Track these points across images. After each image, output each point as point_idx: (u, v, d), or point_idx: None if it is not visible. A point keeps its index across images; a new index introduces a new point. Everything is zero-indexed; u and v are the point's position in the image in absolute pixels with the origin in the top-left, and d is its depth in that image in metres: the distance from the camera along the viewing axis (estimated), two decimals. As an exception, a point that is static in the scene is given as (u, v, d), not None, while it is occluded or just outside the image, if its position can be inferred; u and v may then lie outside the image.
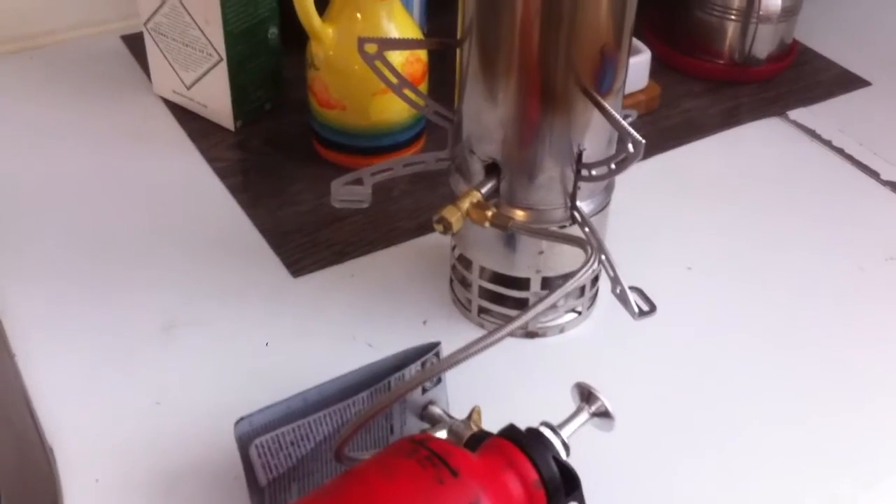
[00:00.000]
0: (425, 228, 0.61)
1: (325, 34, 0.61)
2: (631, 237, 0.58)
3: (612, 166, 0.48)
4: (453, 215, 0.49)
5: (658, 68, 0.74)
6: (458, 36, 0.51)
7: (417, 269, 0.59)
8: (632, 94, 0.70)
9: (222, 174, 0.64)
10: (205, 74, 0.66)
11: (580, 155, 0.49)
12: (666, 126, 0.70)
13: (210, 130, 0.68)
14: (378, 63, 0.52)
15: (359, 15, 0.60)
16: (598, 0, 0.46)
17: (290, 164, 0.66)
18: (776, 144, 0.70)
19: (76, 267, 0.57)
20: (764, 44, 0.70)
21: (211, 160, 0.66)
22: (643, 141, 0.45)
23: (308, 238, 0.60)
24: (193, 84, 0.67)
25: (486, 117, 0.50)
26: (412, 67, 0.63)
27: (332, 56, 0.61)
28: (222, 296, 0.56)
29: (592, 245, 0.46)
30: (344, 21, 0.61)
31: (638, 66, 0.69)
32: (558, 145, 0.49)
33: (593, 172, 0.50)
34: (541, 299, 0.42)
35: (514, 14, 0.46)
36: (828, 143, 0.69)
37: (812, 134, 0.70)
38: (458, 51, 0.51)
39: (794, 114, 0.72)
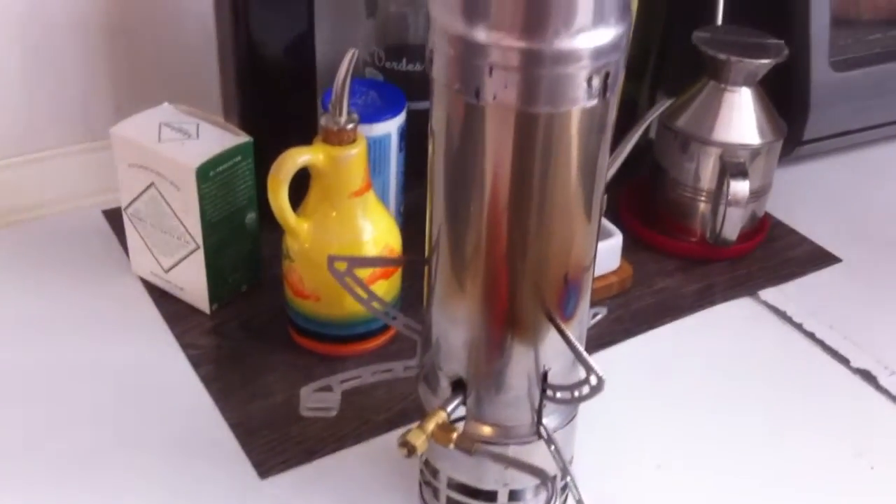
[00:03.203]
0: (396, 422, 0.61)
1: (300, 229, 0.62)
2: (600, 436, 0.58)
3: (576, 394, 0.49)
4: (418, 439, 0.49)
5: (631, 245, 0.75)
6: (426, 253, 0.52)
7: (387, 469, 0.58)
8: (604, 276, 0.71)
9: (196, 362, 0.65)
10: (182, 260, 0.67)
11: (545, 374, 0.50)
12: (638, 308, 0.71)
13: (186, 313, 0.69)
14: (348, 279, 0.53)
15: (334, 213, 0.62)
16: (566, 233, 0.47)
17: (265, 351, 0.66)
18: (748, 327, 0.71)
19: (28, 478, 0.57)
20: (734, 226, 0.71)
21: (185, 346, 0.66)
22: (604, 378, 0.46)
23: (278, 434, 0.60)
24: (171, 268, 0.68)
25: (451, 336, 0.50)
26: (386, 259, 0.64)
27: (307, 249, 0.62)
28: (188, 499, 0.56)
29: (552, 478, 0.47)
30: (319, 216, 0.62)
31: (609, 250, 0.71)
32: (524, 365, 0.50)
33: (558, 395, 0.50)
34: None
35: (480, 237, 0.47)
36: (799, 327, 0.70)
37: (783, 316, 0.71)
38: (426, 268, 0.52)
39: (766, 294, 0.73)
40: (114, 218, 0.76)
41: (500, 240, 0.47)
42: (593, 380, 0.47)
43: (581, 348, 0.48)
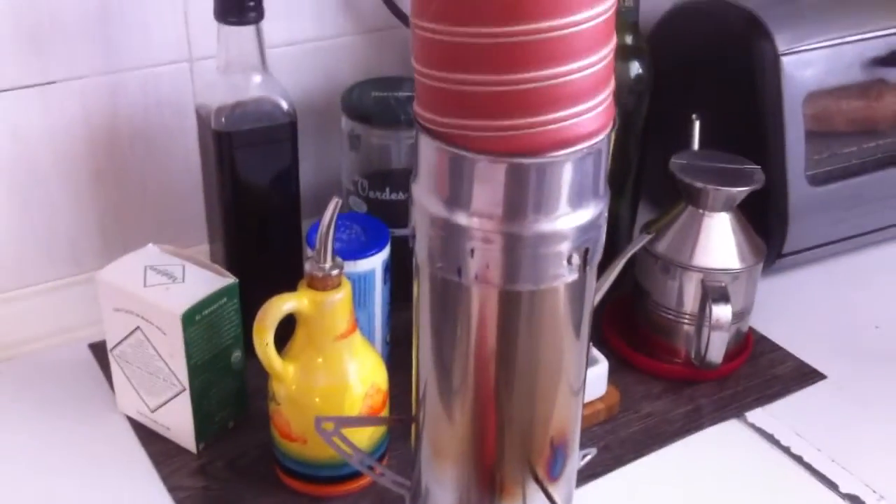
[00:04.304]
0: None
1: (286, 373, 0.62)
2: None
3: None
4: None
5: (617, 365, 0.75)
6: (413, 410, 0.52)
7: None
8: (591, 403, 0.71)
9: (182, 507, 0.64)
10: (168, 401, 0.67)
11: (534, 536, 0.50)
12: (626, 435, 0.71)
13: (173, 452, 0.68)
14: (336, 439, 0.53)
15: (320, 360, 0.62)
16: (552, 400, 0.48)
17: (253, 492, 0.65)
18: (736, 452, 0.71)
19: None
20: (718, 350, 0.72)
21: (172, 489, 0.65)
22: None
23: (266, 586, 0.59)
24: (157, 408, 0.68)
25: (439, 495, 0.51)
26: (372, 399, 0.64)
27: (293, 391, 0.62)
28: None
29: None
30: (304, 360, 0.62)
31: (596, 377, 0.71)
32: (511, 528, 0.50)
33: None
34: None
35: (465, 402, 0.48)
36: (787, 451, 0.70)
37: (770, 439, 0.71)
38: (412, 425, 0.53)
39: (752, 415, 0.73)
40: (100, 351, 0.75)
41: (486, 406, 0.48)
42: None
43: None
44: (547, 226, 0.42)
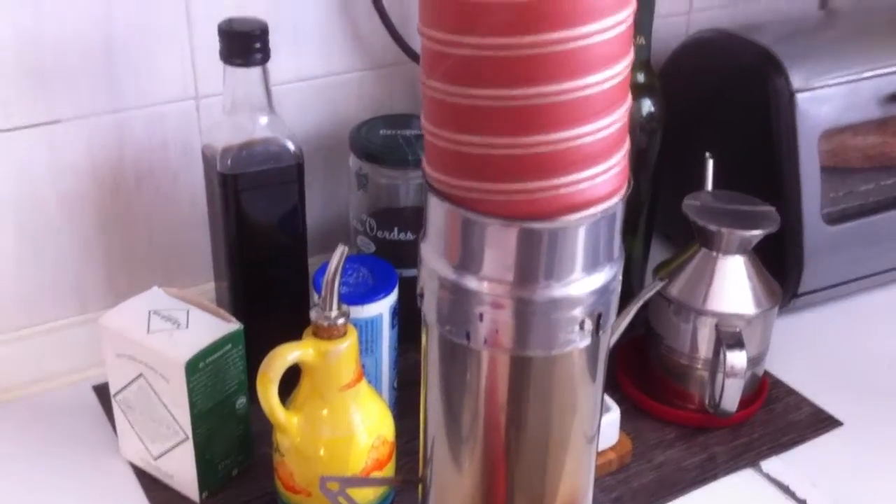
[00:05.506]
0: None
1: (290, 424, 0.61)
2: None
3: None
4: None
5: (630, 410, 0.74)
6: (419, 471, 0.51)
7: None
8: (602, 453, 0.69)
9: (184, 560, 0.63)
10: (171, 449, 0.65)
11: None
12: (639, 485, 0.69)
13: (176, 501, 0.67)
14: (341, 499, 0.52)
15: (325, 411, 0.60)
16: (564, 465, 0.46)
17: (256, 544, 0.65)
18: (751, 503, 0.69)
19: None
20: (733, 398, 0.70)
21: (174, 539, 0.64)
22: None
23: None
24: (160, 456, 0.66)
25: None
26: (378, 452, 0.62)
27: (297, 443, 0.61)
28: None
29: None
30: (309, 410, 0.61)
31: (608, 425, 0.69)
32: None
33: None
34: None
35: (474, 468, 0.46)
36: (802, 503, 0.69)
37: (786, 490, 0.70)
38: (419, 486, 0.51)
39: (767, 465, 0.72)
40: (104, 394, 0.74)
41: (495, 469, 0.46)
42: None
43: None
44: (559, 291, 0.41)
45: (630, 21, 0.40)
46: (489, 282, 0.41)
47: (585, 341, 0.43)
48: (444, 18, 0.39)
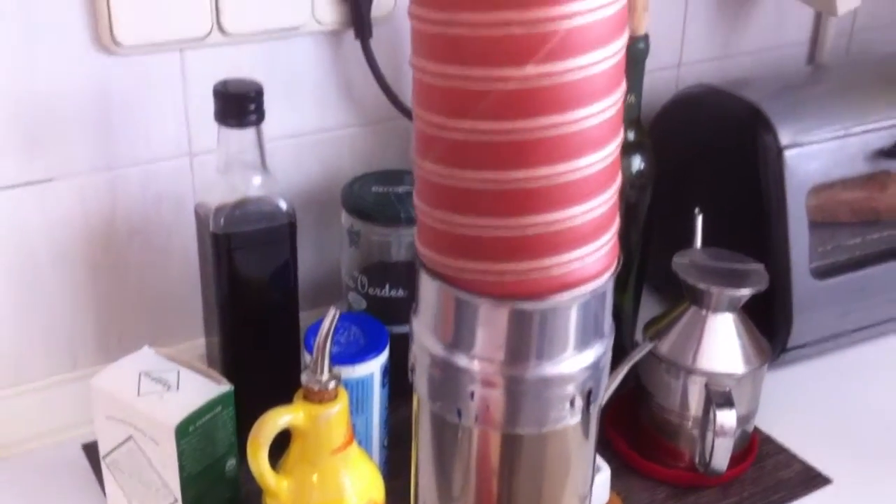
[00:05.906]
0: None
1: (280, 489, 0.60)
2: None
3: None
4: None
5: (619, 468, 0.74)
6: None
7: None
8: (593, 513, 0.70)
9: None
10: (160, 511, 0.65)
11: None
12: (630, 546, 0.70)
13: (164, 563, 0.67)
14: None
15: (315, 476, 0.60)
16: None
17: None
18: (742, 565, 0.69)
19: None
20: (723, 457, 0.70)
21: None
22: None
23: None
24: (149, 518, 0.66)
25: None
26: (370, 513, 0.62)
27: (288, 507, 0.61)
28: None
29: None
30: (299, 475, 0.61)
31: (598, 485, 0.69)
32: None
33: None
34: None
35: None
36: (794, 564, 0.69)
37: (777, 551, 0.70)
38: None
39: (758, 526, 0.72)
40: (93, 452, 0.73)
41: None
42: None
43: None
44: (550, 369, 0.41)
45: (620, 104, 0.41)
46: (480, 360, 0.41)
47: (576, 418, 0.43)
48: (437, 103, 0.40)
